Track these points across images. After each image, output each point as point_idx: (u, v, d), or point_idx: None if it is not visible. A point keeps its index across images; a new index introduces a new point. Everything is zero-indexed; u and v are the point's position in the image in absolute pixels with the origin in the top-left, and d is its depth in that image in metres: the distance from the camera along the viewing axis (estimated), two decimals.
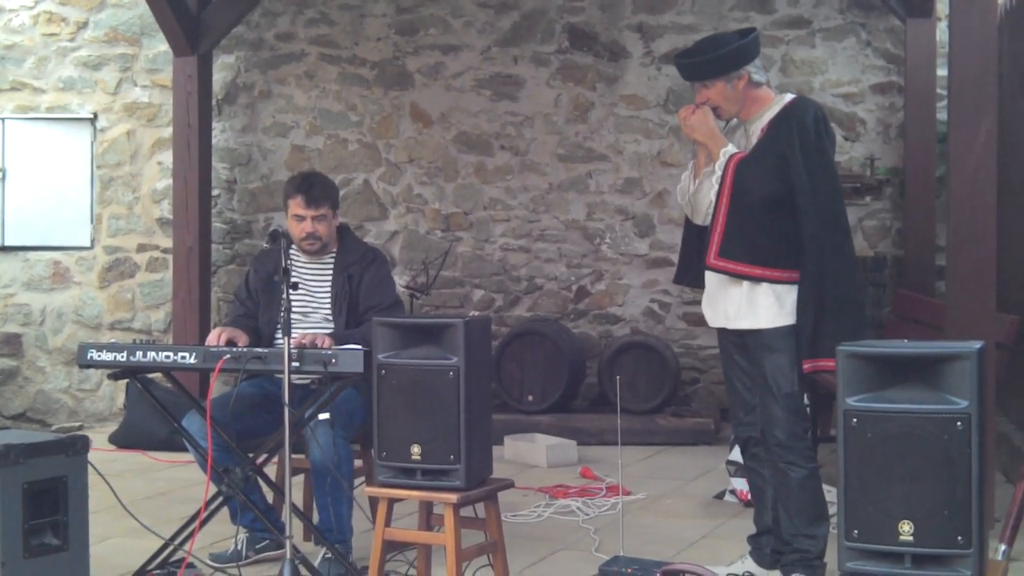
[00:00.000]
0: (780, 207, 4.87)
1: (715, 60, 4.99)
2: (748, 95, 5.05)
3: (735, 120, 5.17)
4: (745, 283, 4.97)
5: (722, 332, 5.21)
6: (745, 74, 5.01)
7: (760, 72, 5.07)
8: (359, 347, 5.09)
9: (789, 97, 5.09)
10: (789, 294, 4.92)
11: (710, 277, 5.13)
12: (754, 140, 5.04)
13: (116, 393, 10.05)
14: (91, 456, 4.83)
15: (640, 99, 9.90)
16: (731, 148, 5.00)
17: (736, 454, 6.79)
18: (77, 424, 10.02)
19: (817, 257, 4.84)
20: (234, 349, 5.23)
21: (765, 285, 4.93)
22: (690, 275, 5.38)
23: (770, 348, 4.96)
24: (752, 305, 4.97)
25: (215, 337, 5.47)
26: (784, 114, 4.97)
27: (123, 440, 8.94)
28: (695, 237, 5.27)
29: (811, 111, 4.97)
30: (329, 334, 5.49)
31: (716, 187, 4.97)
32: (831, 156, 5.01)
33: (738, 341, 5.12)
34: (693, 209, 5.21)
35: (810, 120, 4.92)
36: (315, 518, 5.63)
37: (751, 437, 5.19)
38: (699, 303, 9.32)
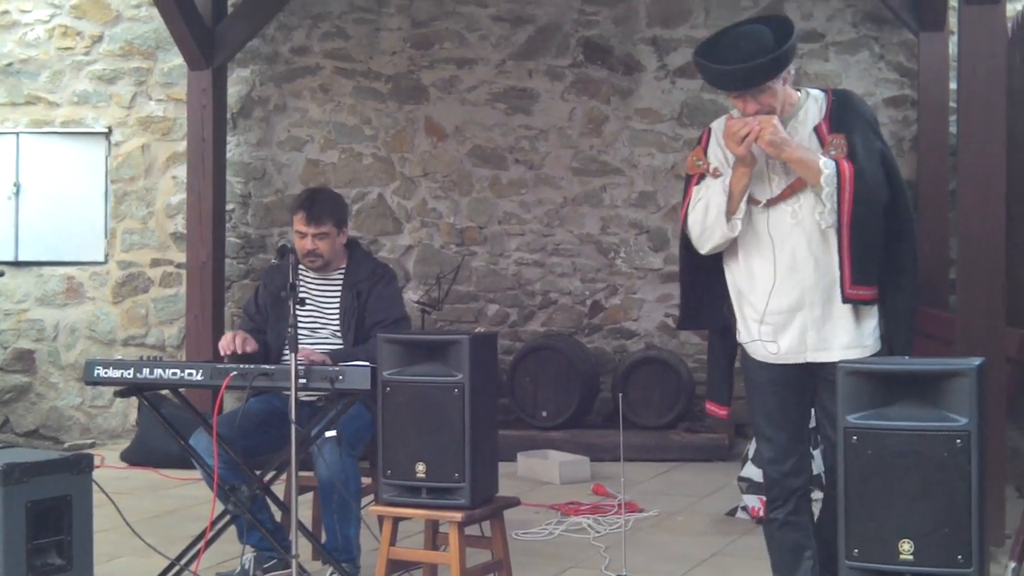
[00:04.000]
0: (885, 215, 4.33)
1: (781, 57, 4.20)
2: (786, 93, 4.33)
3: None
4: (817, 308, 4.31)
5: (771, 368, 4.47)
6: (793, 69, 4.33)
7: None
8: (366, 364, 5.06)
9: (817, 91, 4.42)
10: (871, 313, 4.35)
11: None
12: (805, 142, 4.29)
13: (129, 410, 10.04)
14: (102, 474, 4.85)
15: (655, 112, 9.88)
16: (827, 157, 4.22)
17: (748, 470, 6.76)
18: (89, 441, 10.01)
19: (912, 269, 4.38)
20: (241, 366, 5.22)
21: (861, 307, 4.30)
22: (699, 319, 4.89)
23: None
24: (828, 331, 4.31)
25: (229, 337, 5.45)
26: (845, 108, 4.32)
27: (135, 457, 8.92)
28: (702, 273, 4.60)
29: (862, 100, 4.47)
30: (332, 351, 5.47)
31: (831, 205, 4.21)
32: None
33: (798, 379, 4.43)
34: (709, 237, 4.42)
35: (869, 112, 4.40)
36: (323, 537, 5.59)
37: (798, 488, 4.47)
38: None
